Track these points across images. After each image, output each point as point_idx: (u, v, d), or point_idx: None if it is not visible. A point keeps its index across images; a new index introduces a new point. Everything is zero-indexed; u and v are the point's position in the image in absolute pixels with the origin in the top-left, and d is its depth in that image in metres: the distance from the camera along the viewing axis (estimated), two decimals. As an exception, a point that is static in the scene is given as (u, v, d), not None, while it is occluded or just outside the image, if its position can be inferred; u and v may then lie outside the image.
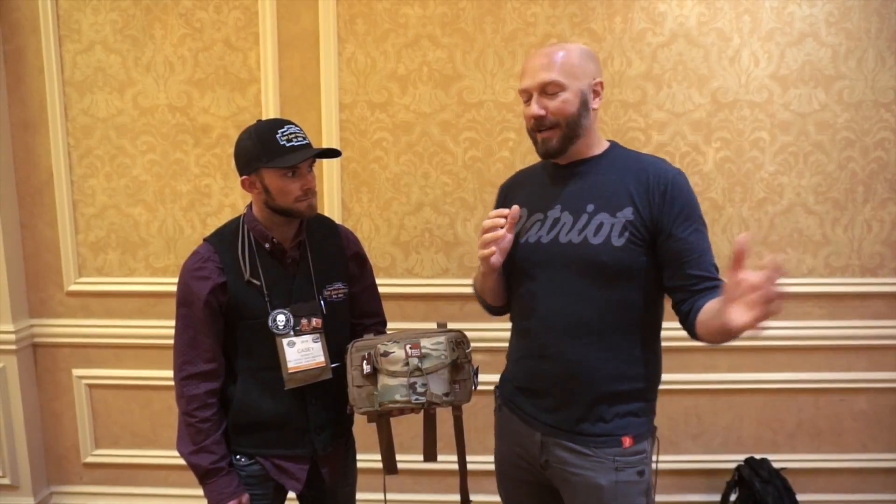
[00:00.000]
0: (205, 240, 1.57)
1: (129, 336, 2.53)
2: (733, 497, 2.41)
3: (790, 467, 2.44)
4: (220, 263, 1.51)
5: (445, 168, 2.41)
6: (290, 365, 1.49)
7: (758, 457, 2.44)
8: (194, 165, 2.46)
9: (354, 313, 1.70)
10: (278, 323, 1.50)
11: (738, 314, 1.08)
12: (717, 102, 2.33)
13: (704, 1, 2.29)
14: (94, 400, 2.61)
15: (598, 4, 2.30)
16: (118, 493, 2.66)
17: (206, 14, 2.38)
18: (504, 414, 1.56)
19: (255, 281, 1.50)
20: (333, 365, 1.54)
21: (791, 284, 2.40)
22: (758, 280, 1.05)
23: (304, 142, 1.48)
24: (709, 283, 1.30)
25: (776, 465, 2.40)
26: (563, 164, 1.44)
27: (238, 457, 1.56)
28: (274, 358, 1.49)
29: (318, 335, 1.53)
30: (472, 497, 1.66)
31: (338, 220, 2.34)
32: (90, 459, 2.64)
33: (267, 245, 1.53)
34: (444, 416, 1.57)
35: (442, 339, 1.50)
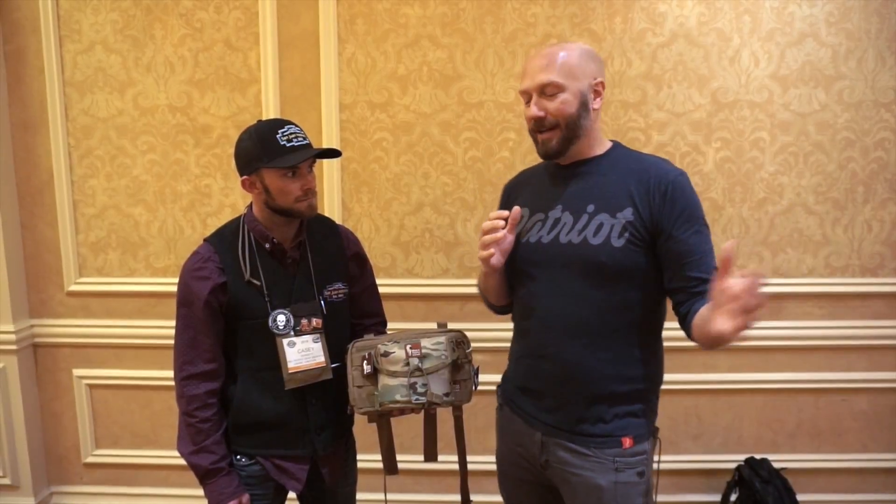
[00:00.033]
0: (205, 240, 1.57)
1: (130, 336, 2.53)
2: (733, 497, 2.41)
3: (790, 467, 2.44)
4: (220, 263, 1.51)
5: (445, 168, 2.41)
6: (290, 365, 1.49)
7: (758, 457, 2.44)
8: (194, 165, 2.46)
9: (355, 313, 1.70)
10: (278, 323, 1.50)
11: (722, 322, 1.10)
12: (717, 102, 2.33)
13: (704, 1, 2.29)
14: (94, 400, 2.61)
15: (598, 5, 2.30)
16: (118, 493, 2.66)
17: (207, 14, 2.38)
18: (505, 413, 1.56)
19: (255, 281, 1.50)
20: (334, 365, 1.54)
21: (791, 284, 2.41)
22: (738, 290, 1.06)
23: (305, 142, 1.48)
24: (709, 286, 1.29)
25: (776, 465, 2.40)
26: (564, 164, 1.44)
27: (238, 457, 1.56)
28: (274, 358, 1.49)
29: (318, 335, 1.53)
30: (473, 497, 1.66)
31: (338, 220, 2.34)
32: (90, 459, 2.64)
33: (267, 245, 1.53)
34: (444, 417, 1.57)
35: (442, 339, 1.50)
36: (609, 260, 1.32)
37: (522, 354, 1.50)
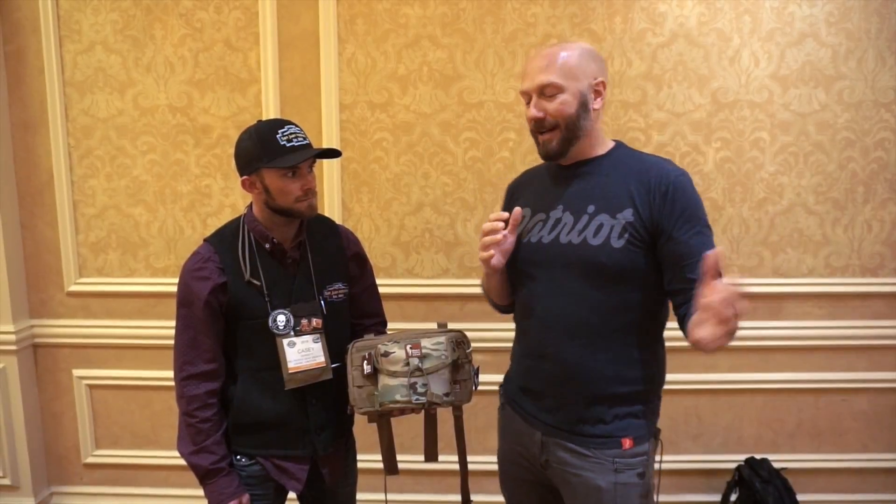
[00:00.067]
0: (205, 240, 1.57)
1: (130, 336, 2.53)
2: (733, 497, 2.41)
3: (790, 467, 2.44)
4: (220, 264, 1.51)
5: (446, 168, 2.41)
6: (290, 365, 1.49)
7: (758, 457, 2.44)
8: (194, 166, 2.46)
9: (355, 313, 1.70)
10: (278, 323, 1.50)
11: (700, 330, 1.10)
12: (717, 102, 2.33)
13: (704, 1, 2.29)
14: (94, 400, 2.61)
15: (598, 5, 2.30)
16: (118, 493, 2.66)
17: (207, 14, 2.38)
18: (507, 412, 1.56)
19: (255, 281, 1.50)
20: (334, 365, 1.54)
21: (791, 284, 2.41)
22: (715, 299, 1.06)
23: (305, 142, 1.48)
24: None
25: (776, 465, 2.40)
26: (566, 164, 1.43)
27: (238, 457, 1.56)
28: (274, 358, 1.49)
29: (318, 335, 1.53)
30: (473, 497, 1.66)
31: (338, 220, 2.34)
32: (90, 460, 2.64)
33: (267, 245, 1.53)
34: (444, 417, 1.57)
35: (442, 339, 1.50)
36: (609, 261, 1.32)
37: (523, 354, 1.50)
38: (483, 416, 2.43)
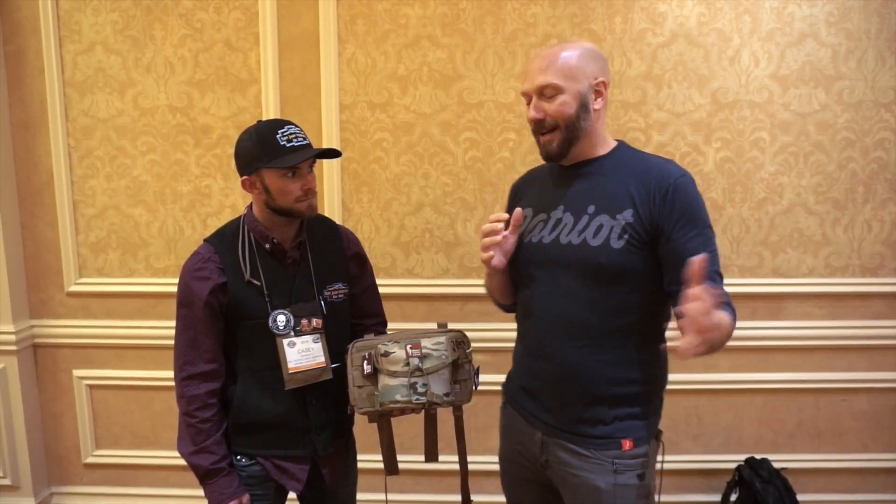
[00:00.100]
0: (205, 240, 1.57)
1: (130, 336, 2.53)
2: (734, 497, 2.41)
3: (790, 467, 2.44)
4: (220, 264, 1.51)
5: (446, 168, 2.41)
6: (290, 365, 1.49)
7: (758, 457, 2.44)
8: (194, 166, 2.46)
9: (355, 314, 1.70)
10: (279, 323, 1.50)
11: (681, 339, 1.10)
12: (717, 102, 2.33)
13: (704, 1, 2.29)
14: (94, 400, 2.61)
15: (598, 5, 2.30)
16: (119, 493, 2.66)
17: (207, 15, 2.38)
18: (508, 412, 1.57)
19: (255, 281, 1.50)
20: (334, 365, 1.54)
21: (791, 284, 2.41)
22: (689, 310, 1.06)
23: (305, 142, 1.48)
24: None
25: (776, 465, 2.40)
26: (567, 164, 1.43)
27: (238, 457, 1.56)
28: (274, 358, 1.49)
29: (318, 335, 1.53)
30: (473, 497, 1.66)
31: (338, 220, 2.34)
32: (91, 460, 2.64)
33: (267, 245, 1.53)
34: (444, 417, 1.57)
35: (442, 339, 1.50)
36: (608, 261, 1.32)
37: (523, 354, 1.50)
38: (483, 416, 2.43)
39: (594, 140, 1.40)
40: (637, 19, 2.30)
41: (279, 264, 1.54)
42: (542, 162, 1.48)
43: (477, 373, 1.56)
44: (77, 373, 2.58)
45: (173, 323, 1.54)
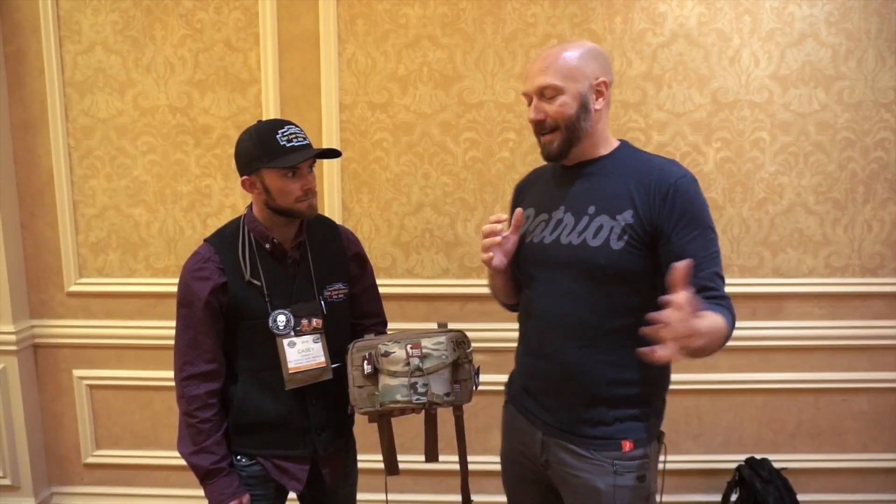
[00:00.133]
0: (205, 240, 1.57)
1: (130, 337, 2.53)
2: (734, 497, 2.41)
3: (791, 467, 2.44)
4: (220, 264, 1.51)
5: (446, 168, 2.41)
6: (290, 365, 1.49)
7: (758, 457, 2.44)
8: (195, 166, 2.46)
9: (355, 314, 1.71)
10: (279, 323, 1.50)
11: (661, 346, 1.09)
12: (717, 102, 2.33)
13: (705, 1, 2.29)
14: (94, 400, 2.61)
15: (598, 5, 2.30)
16: (119, 493, 2.66)
17: (207, 15, 2.38)
18: (510, 411, 1.57)
19: (255, 281, 1.50)
20: (334, 365, 1.54)
21: (791, 284, 2.41)
22: (669, 317, 1.05)
23: (305, 142, 1.48)
24: (707, 293, 1.25)
25: (777, 465, 2.40)
26: (569, 164, 1.43)
27: (239, 457, 1.56)
28: (274, 358, 1.49)
29: (318, 335, 1.53)
30: (474, 497, 1.66)
31: (338, 220, 2.34)
32: (91, 460, 2.64)
33: (267, 245, 1.53)
34: (444, 417, 1.57)
35: (443, 339, 1.50)
36: (607, 262, 1.32)
37: (525, 354, 1.51)
38: (483, 416, 2.44)
39: (596, 140, 1.39)
40: (637, 19, 2.30)
41: (279, 264, 1.54)
42: (543, 162, 1.48)
43: (477, 373, 1.56)
44: (77, 373, 2.58)
45: (173, 323, 1.54)
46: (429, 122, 2.39)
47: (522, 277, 1.49)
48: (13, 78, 2.43)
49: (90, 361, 2.57)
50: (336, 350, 1.55)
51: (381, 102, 2.39)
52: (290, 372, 1.49)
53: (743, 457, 2.46)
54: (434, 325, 1.62)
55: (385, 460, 1.56)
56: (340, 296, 1.61)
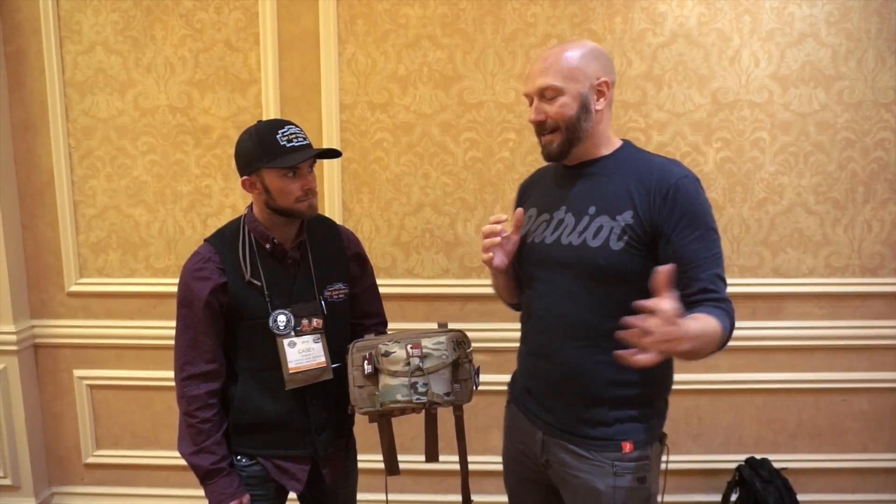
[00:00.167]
0: (205, 240, 1.57)
1: (130, 337, 2.53)
2: (734, 497, 2.41)
3: (791, 467, 2.44)
4: (220, 264, 1.51)
5: (446, 168, 2.41)
6: (290, 365, 1.49)
7: (758, 457, 2.44)
8: (195, 166, 2.46)
9: (355, 314, 1.71)
10: (279, 323, 1.50)
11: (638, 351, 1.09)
12: (717, 103, 2.33)
13: (705, 1, 2.29)
14: (95, 400, 2.61)
15: (598, 5, 2.30)
16: (119, 493, 2.66)
17: (207, 15, 2.38)
18: (511, 410, 1.57)
19: (255, 281, 1.50)
20: (334, 365, 1.54)
21: (791, 284, 2.41)
22: (647, 324, 1.06)
23: (305, 142, 1.48)
24: (706, 295, 1.25)
25: (777, 465, 2.40)
26: (570, 164, 1.43)
27: (239, 457, 1.57)
28: (275, 358, 1.49)
29: (318, 335, 1.54)
30: (474, 497, 1.66)
31: (338, 220, 2.34)
32: (91, 460, 2.64)
33: (268, 245, 1.53)
34: (444, 417, 1.57)
35: (443, 338, 1.50)
36: (607, 263, 1.31)
37: (526, 354, 1.51)
38: (483, 416, 2.44)
39: (597, 140, 1.39)
40: (637, 19, 2.30)
41: (279, 264, 1.55)
42: (543, 161, 1.48)
43: (477, 373, 1.56)
44: (77, 373, 2.58)
45: (174, 323, 1.54)
46: (429, 123, 2.39)
47: (523, 277, 1.49)
48: (13, 78, 2.43)
49: (90, 361, 2.57)
50: (336, 350, 1.55)
51: (382, 102, 2.39)
52: (291, 372, 1.49)
53: (743, 457, 2.46)
54: (434, 325, 1.62)
55: (385, 460, 1.56)
56: (341, 296, 1.62)
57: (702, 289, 1.26)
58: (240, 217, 1.58)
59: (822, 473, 2.51)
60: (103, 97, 2.43)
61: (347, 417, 1.65)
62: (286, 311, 1.51)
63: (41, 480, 2.63)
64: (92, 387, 2.60)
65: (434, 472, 2.32)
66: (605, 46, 2.30)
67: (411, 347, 1.47)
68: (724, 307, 1.24)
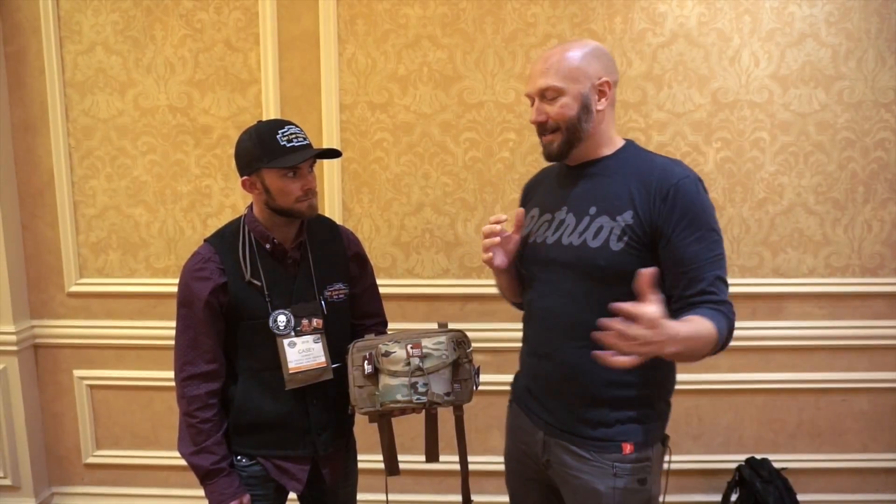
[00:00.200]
0: (205, 240, 1.57)
1: (130, 337, 2.53)
2: (734, 497, 2.41)
3: (791, 467, 2.44)
4: (220, 264, 1.51)
5: (446, 168, 2.41)
6: (290, 365, 1.49)
7: (758, 457, 2.44)
8: (195, 166, 2.46)
9: (355, 314, 1.71)
10: (279, 323, 1.50)
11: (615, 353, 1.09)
12: (717, 103, 2.33)
13: (705, 1, 2.29)
14: (95, 401, 2.61)
15: (598, 5, 2.30)
16: (119, 493, 2.66)
17: (207, 15, 2.38)
18: (514, 410, 1.57)
19: (255, 281, 1.50)
20: (334, 365, 1.54)
21: (791, 284, 2.41)
22: (626, 331, 1.06)
23: (305, 142, 1.48)
24: (705, 297, 1.24)
25: (777, 465, 2.40)
26: (572, 164, 1.43)
27: (239, 457, 1.57)
28: (275, 358, 1.49)
29: (318, 335, 1.54)
30: (474, 497, 1.66)
31: (338, 220, 2.34)
32: (91, 460, 2.64)
33: (268, 245, 1.53)
34: (445, 417, 1.57)
35: (443, 338, 1.50)
36: (607, 263, 1.31)
37: (527, 353, 1.51)
38: (484, 416, 2.44)
39: (599, 140, 1.38)
40: (637, 19, 2.30)
41: (279, 264, 1.55)
42: (544, 161, 1.48)
43: (477, 373, 1.56)
44: (77, 373, 2.58)
45: (174, 323, 1.54)
46: (429, 123, 2.39)
47: (526, 277, 1.49)
48: (14, 78, 2.43)
49: (90, 361, 2.57)
50: (336, 350, 1.55)
51: (382, 102, 2.39)
52: (291, 372, 1.49)
53: (743, 457, 2.46)
54: (434, 325, 1.62)
55: (385, 460, 1.56)
56: (341, 296, 1.61)
57: (701, 290, 1.25)
58: (240, 217, 1.58)
59: (822, 473, 2.51)
60: (103, 97, 2.43)
61: (347, 417, 1.65)
62: (286, 312, 1.51)
63: (41, 480, 2.63)
64: (92, 387, 2.60)
65: (434, 472, 2.32)
66: (606, 46, 2.30)
67: (411, 347, 1.47)
68: (722, 309, 1.23)
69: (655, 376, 1.38)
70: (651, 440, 1.38)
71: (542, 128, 1.37)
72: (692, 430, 2.51)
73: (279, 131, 1.46)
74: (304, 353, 1.51)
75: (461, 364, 1.52)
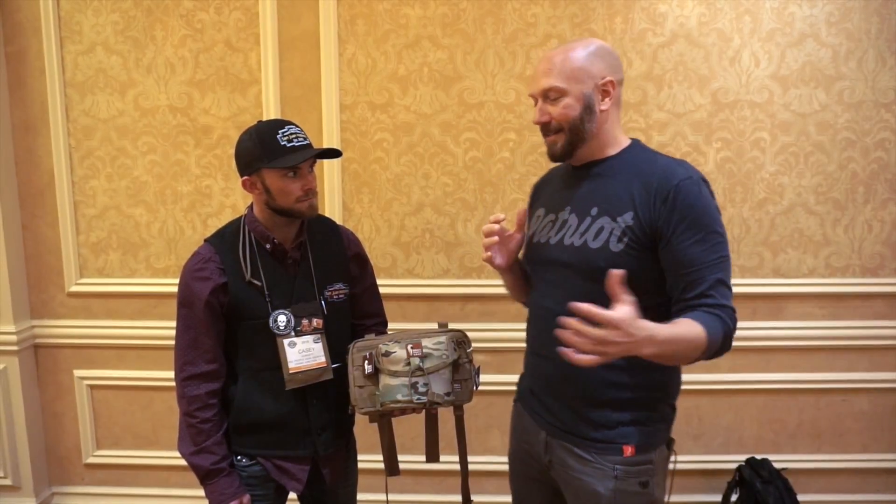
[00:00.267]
0: (206, 240, 1.57)
1: (131, 337, 2.53)
2: (734, 497, 2.41)
3: (791, 467, 2.44)
4: (221, 264, 1.51)
5: (446, 169, 2.41)
6: (291, 365, 1.49)
7: (759, 457, 2.44)
8: (195, 166, 2.46)
9: (355, 314, 1.71)
10: (279, 323, 1.50)
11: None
12: (717, 103, 2.33)
13: (705, 1, 2.29)
14: (95, 401, 2.61)
15: (598, 5, 2.30)
16: (119, 493, 2.66)
17: (207, 15, 2.38)
18: (517, 409, 1.57)
19: (255, 281, 1.50)
20: (334, 365, 1.54)
21: (792, 285, 2.41)
22: (600, 334, 1.06)
23: (305, 142, 1.48)
24: (702, 300, 1.23)
25: (777, 466, 2.40)
26: (577, 165, 1.42)
27: (239, 457, 1.57)
28: (275, 358, 1.49)
29: (319, 335, 1.54)
30: (474, 497, 1.66)
31: (339, 220, 2.34)
32: (91, 460, 2.64)
33: (268, 245, 1.53)
34: (445, 417, 1.57)
35: (443, 338, 1.50)
36: (607, 264, 1.28)
37: (529, 353, 1.52)
38: (484, 416, 2.44)
39: (603, 140, 1.37)
40: (637, 19, 2.30)
41: (280, 264, 1.55)
42: (544, 161, 1.48)
43: (478, 373, 1.56)
44: (78, 373, 2.58)
45: (174, 323, 1.54)
46: (429, 123, 2.39)
47: (531, 277, 1.50)
48: (14, 78, 2.43)
49: (91, 362, 2.57)
50: (337, 350, 1.55)
51: (382, 103, 2.39)
52: (291, 372, 1.49)
53: (743, 457, 2.46)
54: (434, 325, 1.62)
55: (385, 460, 1.56)
56: (341, 296, 1.62)
57: (700, 293, 1.23)
58: (240, 217, 1.58)
59: (822, 474, 2.51)
60: (104, 97, 2.43)
61: (348, 417, 1.65)
62: (286, 312, 1.51)
63: (41, 480, 2.63)
64: (92, 387, 2.60)
65: (434, 472, 2.32)
66: (606, 46, 2.31)
67: (412, 347, 1.47)
68: (717, 313, 1.21)
69: (655, 379, 1.36)
70: (654, 443, 1.37)
71: (546, 128, 1.37)
72: (692, 430, 2.51)
73: (279, 131, 1.46)
74: (304, 353, 1.51)
75: (461, 364, 1.52)
